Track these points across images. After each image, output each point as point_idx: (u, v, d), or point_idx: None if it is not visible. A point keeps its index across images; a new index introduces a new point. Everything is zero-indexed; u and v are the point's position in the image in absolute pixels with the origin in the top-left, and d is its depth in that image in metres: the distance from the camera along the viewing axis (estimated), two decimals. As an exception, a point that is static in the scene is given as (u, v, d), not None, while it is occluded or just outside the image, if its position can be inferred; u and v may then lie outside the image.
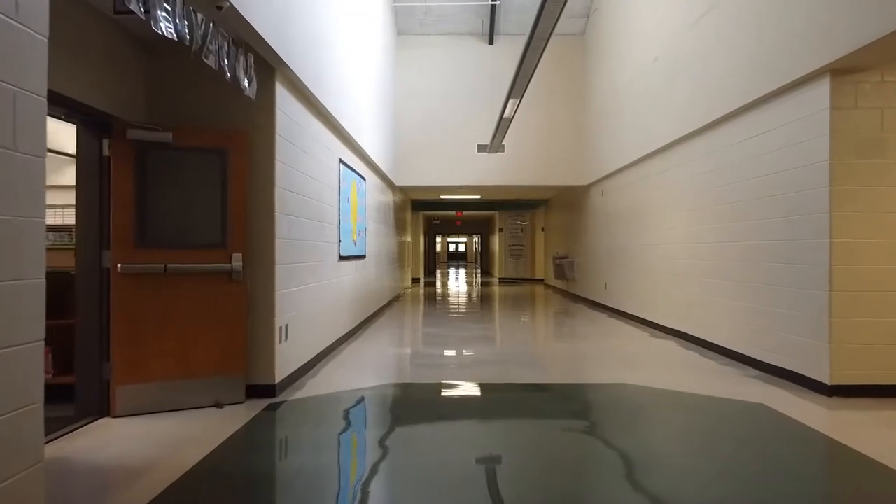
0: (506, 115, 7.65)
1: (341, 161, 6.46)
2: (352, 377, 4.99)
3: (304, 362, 4.90)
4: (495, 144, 10.19)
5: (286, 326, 4.41)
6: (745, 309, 5.37)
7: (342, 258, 6.50)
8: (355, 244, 7.27)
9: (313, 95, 4.93)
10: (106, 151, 3.72)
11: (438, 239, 43.44)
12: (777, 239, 4.86)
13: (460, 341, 7.01)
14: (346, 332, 6.69)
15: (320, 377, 4.90)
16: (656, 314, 7.64)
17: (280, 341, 4.27)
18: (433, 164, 11.64)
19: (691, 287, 6.56)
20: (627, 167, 8.94)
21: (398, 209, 12.87)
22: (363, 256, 7.93)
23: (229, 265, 3.96)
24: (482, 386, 4.75)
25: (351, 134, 6.62)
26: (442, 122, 11.61)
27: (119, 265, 3.68)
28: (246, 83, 3.55)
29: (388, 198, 11.13)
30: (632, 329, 7.87)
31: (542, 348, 6.93)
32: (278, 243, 4.23)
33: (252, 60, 3.62)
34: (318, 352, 5.39)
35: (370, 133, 8.14)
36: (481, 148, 11.41)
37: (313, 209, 5.26)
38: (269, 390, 4.17)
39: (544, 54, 5.88)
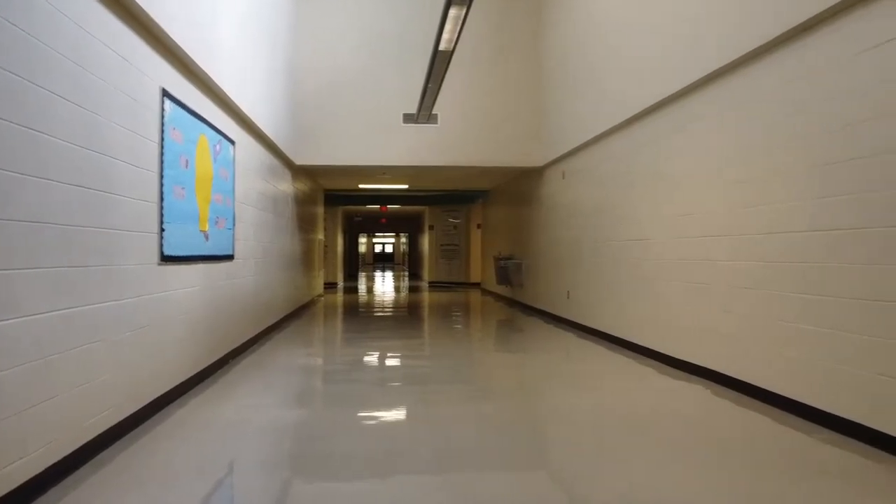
0: (442, 46, 5.12)
1: (167, 95, 3.74)
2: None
3: None
4: (426, 107, 7.67)
5: None
6: (871, 345, 3.14)
7: (169, 259, 3.77)
8: (207, 237, 4.54)
9: None
10: None
11: (363, 239, 40.60)
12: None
13: (376, 407, 4.46)
14: (167, 388, 3.89)
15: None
16: (664, 341, 5.34)
17: None
18: (346, 139, 8.90)
19: (737, 303, 4.29)
20: (608, 134, 6.66)
21: (304, 200, 10.08)
22: (229, 257, 5.19)
23: None
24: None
25: (188, 52, 3.90)
26: (358, 84, 8.91)
27: None
28: None
29: (287, 182, 8.35)
30: (624, 360, 5.56)
31: (507, 407, 4.49)
32: None
33: None
34: (43, 466, 2.65)
35: (240, 67, 5.40)
36: (408, 118, 8.86)
37: (63, 160, 2.55)
38: None
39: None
